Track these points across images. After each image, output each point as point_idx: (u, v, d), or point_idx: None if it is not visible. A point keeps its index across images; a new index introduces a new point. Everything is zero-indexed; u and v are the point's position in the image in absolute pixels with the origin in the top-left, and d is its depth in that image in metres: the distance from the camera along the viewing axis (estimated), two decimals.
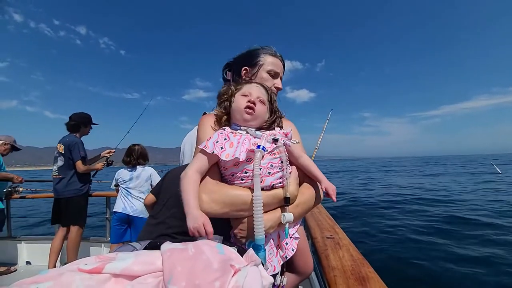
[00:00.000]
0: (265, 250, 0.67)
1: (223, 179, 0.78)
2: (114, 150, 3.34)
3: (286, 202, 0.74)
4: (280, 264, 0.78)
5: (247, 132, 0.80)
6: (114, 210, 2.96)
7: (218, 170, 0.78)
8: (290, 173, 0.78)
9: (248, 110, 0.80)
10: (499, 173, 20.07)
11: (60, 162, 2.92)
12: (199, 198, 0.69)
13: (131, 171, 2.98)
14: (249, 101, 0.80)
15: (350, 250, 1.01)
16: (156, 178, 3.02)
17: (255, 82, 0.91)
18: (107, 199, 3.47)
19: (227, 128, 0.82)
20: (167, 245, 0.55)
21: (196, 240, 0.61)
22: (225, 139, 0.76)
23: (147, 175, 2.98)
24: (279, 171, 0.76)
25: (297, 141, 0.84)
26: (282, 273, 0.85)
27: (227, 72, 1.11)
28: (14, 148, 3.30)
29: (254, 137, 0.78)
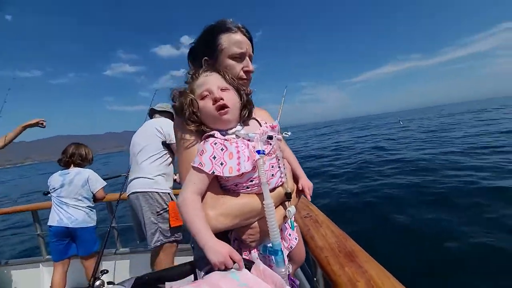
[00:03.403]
0: (283, 252, 0.66)
1: (223, 188, 0.70)
2: None
3: (287, 197, 0.74)
4: (287, 255, 0.80)
5: (237, 136, 0.71)
6: (48, 224, 2.45)
7: (216, 180, 0.70)
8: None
9: (222, 111, 0.69)
10: (401, 125, 26.46)
11: None
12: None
13: (62, 175, 2.44)
14: (215, 100, 0.69)
15: (330, 227, 1.09)
16: (95, 182, 2.52)
17: (202, 71, 0.76)
18: (34, 213, 2.83)
19: (217, 133, 0.69)
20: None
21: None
22: (221, 149, 0.66)
23: (83, 179, 2.45)
24: (278, 169, 0.74)
25: (289, 133, 0.82)
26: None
27: (192, 62, 0.91)
28: None
29: (248, 140, 0.70)
